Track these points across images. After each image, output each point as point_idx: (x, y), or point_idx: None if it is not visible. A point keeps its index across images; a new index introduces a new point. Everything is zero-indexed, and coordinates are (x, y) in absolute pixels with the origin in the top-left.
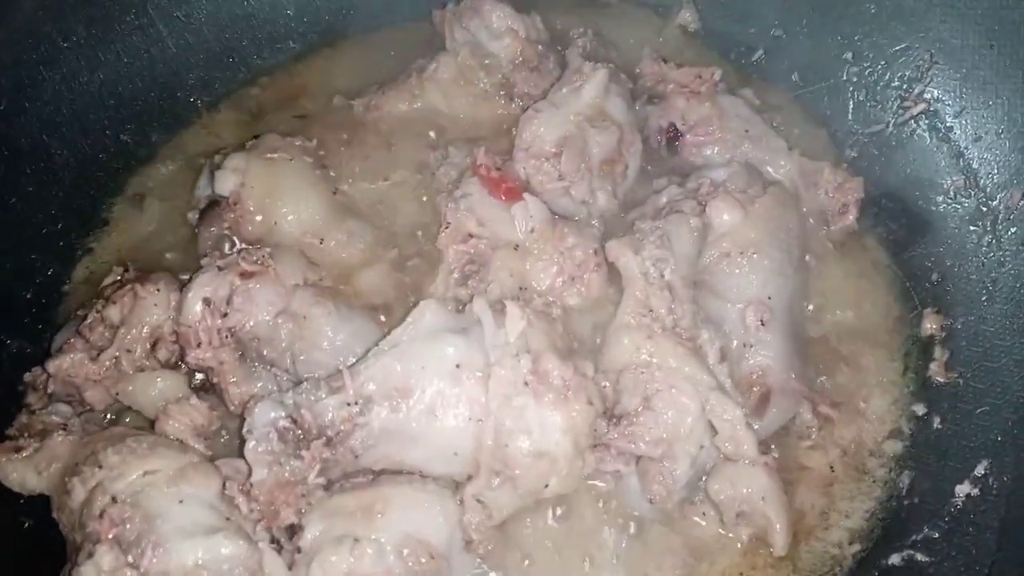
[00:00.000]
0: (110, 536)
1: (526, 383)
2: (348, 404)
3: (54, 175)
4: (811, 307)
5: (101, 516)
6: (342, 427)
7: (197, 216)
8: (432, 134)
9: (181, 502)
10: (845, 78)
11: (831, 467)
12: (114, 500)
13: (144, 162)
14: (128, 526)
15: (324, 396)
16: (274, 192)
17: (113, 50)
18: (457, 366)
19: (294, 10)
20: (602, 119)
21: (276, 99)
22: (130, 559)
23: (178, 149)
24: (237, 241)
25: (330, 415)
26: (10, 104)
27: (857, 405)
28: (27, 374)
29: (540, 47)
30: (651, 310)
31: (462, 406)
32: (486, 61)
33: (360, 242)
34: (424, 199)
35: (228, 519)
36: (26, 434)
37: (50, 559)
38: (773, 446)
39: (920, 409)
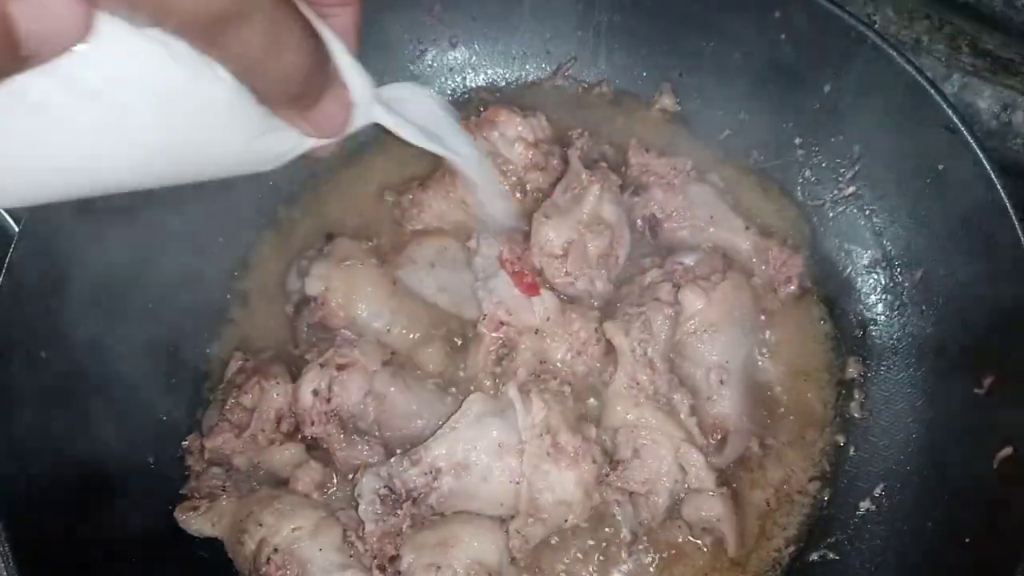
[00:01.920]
0: None
1: (548, 454)
2: (425, 474)
3: (180, 285)
4: (763, 358)
5: (268, 562)
6: (423, 491)
7: (292, 310)
8: (465, 227)
9: (320, 550)
10: (794, 158)
11: (767, 502)
12: (276, 550)
13: (244, 263)
14: (288, 570)
15: (409, 468)
16: (351, 294)
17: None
18: (499, 445)
19: None
20: (597, 223)
21: (339, 200)
22: None
23: (265, 250)
24: (327, 328)
25: (413, 483)
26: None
27: (796, 436)
28: (184, 442)
29: (545, 145)
30: (637, 383)
31: (505, 474)
32: (503, 168)
33: (419, 325)
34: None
35: (351, 556)
36: (196, 495)
37: None
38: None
39: (841, 439)
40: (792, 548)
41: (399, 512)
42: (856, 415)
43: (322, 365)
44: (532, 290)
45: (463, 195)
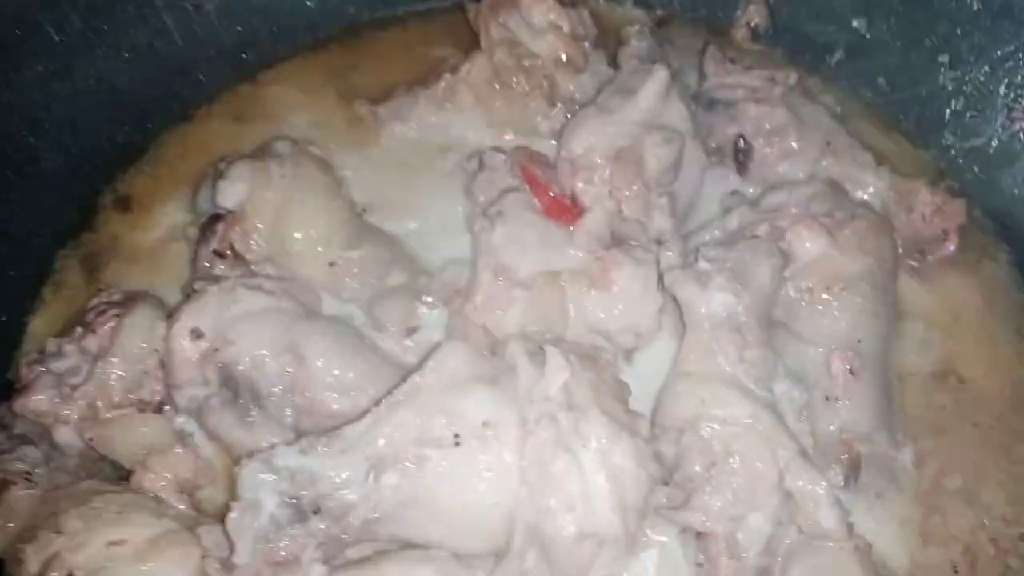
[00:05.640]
0: None
1: (568, 448)
2: (352, 470)
3: (40, 180)
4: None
5: None
6: (344, 500)
7: (198, 233)
8: (466, 143)
9: None
10: (941, 84)
11: (954, 567)
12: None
13: (141, 168)
14: None
15: (325, 457)
16: (287, 208)
17: (112, 43)
18: (484, 424)
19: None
20: (661, 128)
21: (291, 100)
22: None
23: (181, 154)
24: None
25: (331, 482)
26: None
27: (971, 463)
28: None
29: (587, 44)
30: (718, 357)
31: (491, 473)
32: (525, 62)
33: (379, 267)
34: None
35: None
36: None
37: None
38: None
39: None
40: None
41: (298, 529)
42: None
43: (214, 294)
44: (561, 213)
45: (466, 105)
